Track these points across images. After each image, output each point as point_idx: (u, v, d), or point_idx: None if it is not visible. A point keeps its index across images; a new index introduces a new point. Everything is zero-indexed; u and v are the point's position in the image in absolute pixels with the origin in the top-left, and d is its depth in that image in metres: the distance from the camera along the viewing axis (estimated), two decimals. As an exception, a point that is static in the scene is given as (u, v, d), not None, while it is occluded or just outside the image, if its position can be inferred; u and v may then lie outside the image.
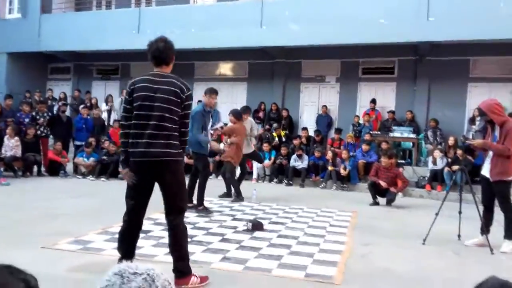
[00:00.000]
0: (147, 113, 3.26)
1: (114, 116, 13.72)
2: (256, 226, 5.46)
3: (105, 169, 10.17)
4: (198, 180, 6.61)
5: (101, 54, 15.60)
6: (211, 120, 7.01)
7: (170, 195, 3.36)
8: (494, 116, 4.94)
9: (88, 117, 12.06)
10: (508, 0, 10.39)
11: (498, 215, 5.15)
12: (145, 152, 3.27)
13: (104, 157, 10.36)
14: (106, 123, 13.14)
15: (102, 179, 9.93)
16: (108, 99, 14.00)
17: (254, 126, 8.78)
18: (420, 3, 11.02)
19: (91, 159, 10.45)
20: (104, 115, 13.56)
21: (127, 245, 3.47)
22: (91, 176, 10.12)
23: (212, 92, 6.61)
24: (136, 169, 3.35)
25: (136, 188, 3.38)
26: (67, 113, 12.79)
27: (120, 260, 3.38)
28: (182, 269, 3.36)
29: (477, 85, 12.01)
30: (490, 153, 5.06)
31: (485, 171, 5.12)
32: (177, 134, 3.35)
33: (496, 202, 5.10)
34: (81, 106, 12.85)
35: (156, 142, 3.25)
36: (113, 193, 8.18)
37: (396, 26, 11.11)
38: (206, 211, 6.45)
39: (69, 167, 10.75)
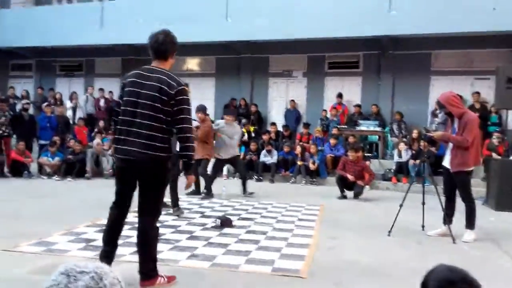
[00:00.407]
0: (132, 109, 3.18)
1: (79, 113, 13.42)
2: (225, 222, 5.47)
3: (71, 169, 9.94)
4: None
5: (64, 50, 15.21)
6: None
7: (145, 196, 3.27)
8: (453, 109, 5.09)
9: (52, 115, 11.74)
10: (467, -5, 10.71)
11: (461, 205, 5.32)
12: (127, 150, 3.20)
13: (70, 156, 10.12)
14: (71, 121, 12.83)
15: (68, 179, 9.71)
16: (72, 96, 13.68)
17: (238, 131, 8.67)
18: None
19: (56, 158, 10.19)
20: (69, 113, 13.24)
21: (108, 237, 3.42)
22: (56, 176, 9.88)
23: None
24: (119, 165, 3.36)
25: (120, 183, 3.36)
26: (30, 111, 12.41)
27: (103, 251, 3.39)
28: (148, 271, 3.30)
29: (438, 78, 12.34)
30: (451, 144, 5.21)
31: (446, 162, 5.28)
32: (164, 134, 3.20)
33: (458, 192, 5.27)
34: (44, 104, 12.49)
35: (138, 141, 3.16)
36: (79, 193, 8.03)
37: (360, 21, 11.28)
38: (178, 211, 6.25)
39: (34, 167, 10.47)
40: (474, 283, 1.43)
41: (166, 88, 3.14)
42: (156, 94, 3.14)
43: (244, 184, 8.30)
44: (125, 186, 3.33)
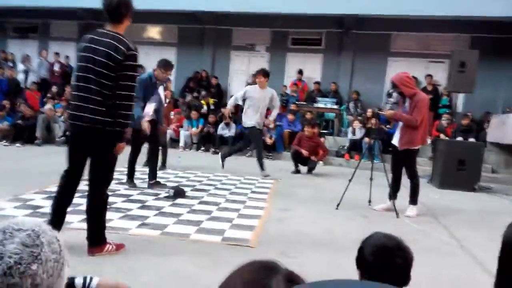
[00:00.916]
0: (83, 75, 3.13)
1: (32, 77, 12.90)
2: (178, 192, 5.48)
3: (20, 134, 9.60)
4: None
5: (17, 10, 14.42)
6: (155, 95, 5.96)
7: (96, 163, 3.26)
8: (405, 89, 5.26)
9: (2, 77, 11.23)
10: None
11: (407, 182, 5.56)
12: (77, 115, 3.16)
13: (19, 121, 9.76)
14: (22, 85, 12.32)
15: (17, 144, 9.38)
16: (25, 59, 13.09)
17: (275, 96, 7.73)
18: (348, -24, 11.26)
19: (5, 123, 9.81)
20: (21, 76, 12.69)
21: (57, 207, 3.37)
22: (4, 141, 9.53)
23: (167, 67, 5.89)
24: (71, 131, 3.35)
25: (71, 150, 3.31)
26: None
27: (50, 220, 3.27)
28: (96, 237, 3.32)
29: (396, 59, 12.65)
30: (401, 123, 5.41)
31: (395, 140, 5.48)
32: (117, 101, 3.12)
33: (404, 170, 5.50)
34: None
35: (87, 106, 3.10)
36: (28, 159, 7.80)
37: (324, -2, 11.31)
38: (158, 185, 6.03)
39: (-19, 131, 10.04)
40: (407, 249, 1.54)
41: (113, 53, 3.07)
42: (105, 60, 3.07)
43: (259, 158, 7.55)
44: (78, 153, 3.28)
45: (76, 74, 3.20)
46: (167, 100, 7.49)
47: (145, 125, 5.57)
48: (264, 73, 7.55)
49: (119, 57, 3.07)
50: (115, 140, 3.23)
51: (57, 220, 3.31)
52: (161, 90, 6.11)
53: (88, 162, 3.32)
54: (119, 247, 3.42)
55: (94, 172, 3.27)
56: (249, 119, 7.46)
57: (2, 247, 0.94)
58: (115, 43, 3.10)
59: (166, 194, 5.45)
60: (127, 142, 3.39)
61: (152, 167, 6.08)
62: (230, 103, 8.26)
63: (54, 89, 11.94)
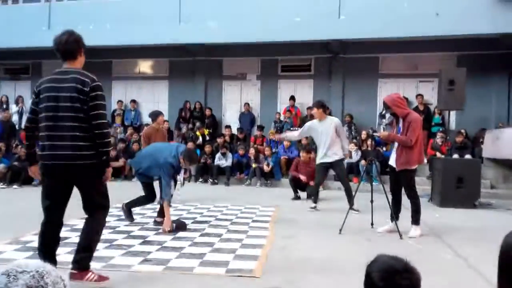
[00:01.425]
0: (54, 114, 3.16)
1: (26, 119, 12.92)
2: (179, 226, 5.44)
3: (17, 176, 9.55)
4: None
5: (9, 52, 14.54)
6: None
7: (88, 195, 3.33)
8: (397, 109, 5.32)
9: (-4, 120, 11.25)
10: (412, 1, 11.20)
11: (408, 202, 5.56)
12: (54, 155, 3.16)
13: (16, 163, 9.72)
14: (17, 126, 12.33)
15: (14, 186, 9.32)
16: (18, 100, 13.14)
17: (338, 124, 7.14)
18: (332, 2, 11.52)
19: (1, 165, 9.77)
20: (15, 118, 12.71)
21: (46, 249, 3.32)
22: (1, 183, 9.46)
23: (190, 160, 5.57)
24: (47, 172, 3.26)
25: (50, 190, 3.28)
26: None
27: None
28: (80, 260, 3.28)
29: (386, 81, 12.83)
30: (396, 144, 5.45)
31: (392, 161, 5.50)
32: (87, 133, 3.19)
33: (403, 190, 5.51)
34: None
35: (65, 144, 3.14)
36: (26, 201, 7.72)
37: (310, 25, 11.54)
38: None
39: (-24, 174, 9.97)
40: (414, 270, 1.53)
41: (81, 86, 3.15)
42: (74, 94, 3.14)
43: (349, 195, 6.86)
44: (57, 193, 3.28)
45: (44, 115, 3.19)
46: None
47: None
48: (318, 104, 7.12)
49: (86, 89, 3.14)
50: (100, 169, 3.28)
51: (47, 254, 3.28)
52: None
53: (68, 201, 3.35)
54: (102, 278, 3.33)
55: (89, 202, 3.33)
56: (318, 156, 7.14)
57: None
58: (79, 76, 3.18)
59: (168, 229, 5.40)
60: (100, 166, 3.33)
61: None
62: (291, 136, 7.96)
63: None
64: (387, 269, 1.50)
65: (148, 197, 5.94)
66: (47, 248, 3.33)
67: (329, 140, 6.93)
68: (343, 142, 7.15)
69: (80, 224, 5.40)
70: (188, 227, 5.59)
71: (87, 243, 3.31)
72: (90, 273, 3.27)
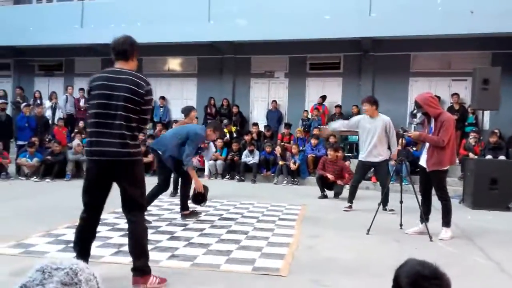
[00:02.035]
0: (105, 111, 3.22)
1: (59, 114, 13.24)
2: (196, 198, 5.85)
3: (49, 170, 9.81)
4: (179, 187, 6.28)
5: (43, 49, 15.00)
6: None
7: (129, 193, 3.33)
8: (430, 109, 5.20)
9: (31, 115, 11.55)
10: (445, -2, 10.95)
11: (438, 203, 5.44)
12: (101, 151, 3.23)
13: (49, 157, 9.98)
14: (50, 122, 12.65)
15: (47, 180, 9.58)
16: (52, 96, 13.48)
17: (388, 124, 6.87)
18: (363, -1, 11.37)
19: (35, 159, 10.04)
20: (48, 113, 13.05)
21: (80, 247, 3.42)
22: (35, 177, 9.74)
23: (217, 130, 6.08)
24: (93, 167, 3.35)
25: (92, 185, 3.37)
26: (8, 111, 12.19)
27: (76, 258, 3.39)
28: (141, 267, 3.29)
29: (417, 79, 12.56)
30: (427, 144, 5.33)
31: (423, 161, 5.39)
32: (137, 133, 3.33)
33: (434, 191, 5.39)
34: (23, 104, 12.30)
35: (113, 141, 3.21)
36: (58, 194, 7.94)
37: (340, 22, 11.42)
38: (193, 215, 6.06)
39: (12, 168, 10.29)
40: (444, 277, 1.48)
41: (135, 88, 3.23)
42: (128, 94, 3.21)
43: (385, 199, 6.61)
44: (100, 188, 3.36)
45: (95, 112, 3.27)
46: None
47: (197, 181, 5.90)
48: (371, 100, 6.85)
49: (142, 91, 3.25)
50: (140, 167, 3.39)
51: (82, 259, 3.31)
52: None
53: (108, 196, 3.40)
54: (162, 280, 3.39)
55: (129, 201, 3.35)
56: (361, 154, 6.94)
57: (42, 287, 0.96)
58: (135, 79, 3.26)
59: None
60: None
61: (183, 198, 6.02)
62: (335, 126, 7.55)
63: (81, 124, 12.25)
64: (416, 274, 1.47)
65: (161, 186, 5.83)
66: (83, 242, 3.43)
67: (375, 139, 6.70)
68: (391, 143, 6.87)
69: (110, 218, 5.54)
70: (214, 223, 5.64)
71: (140, 249, 3.33)
72: (153, 277, 3.32)
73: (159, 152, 5.73)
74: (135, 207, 3.36)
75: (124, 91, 3.21)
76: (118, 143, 3.21)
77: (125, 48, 3.38)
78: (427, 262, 1.52)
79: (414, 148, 9.97)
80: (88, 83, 3.37)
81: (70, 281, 0.98)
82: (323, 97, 12.79)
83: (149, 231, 5.07)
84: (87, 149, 3.34)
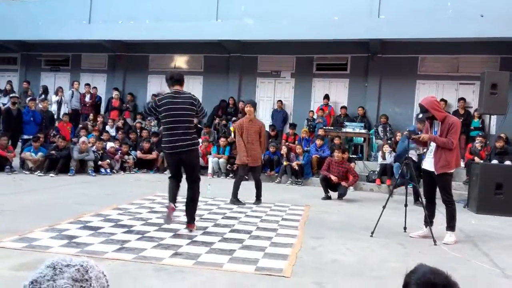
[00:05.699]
0: (172, 119, 4.94)
1: (64, 109, 13.27)
2: None
3: (54, 165, 9.81)
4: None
5: (50, 44, 15.04)
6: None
7: (191, 169, 5.13)
8: (436, 113, 5.17)
9: (36, 109, 11.57)
10: (455, 1, 10.87)
11: (442, 207, 5.40)
12: (175, 145, 4.94)
13: (53, 152, 9.99)
14: (55, 116, 12.67)
15: (51, 174, 9.58)
16: (58, 91, 13.51)
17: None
18: (372, 1, 11.31)
19: (39, 154, 10.05)
20: (54, 108, 13.07)
21: (172, 196, 5.13)
22: (39, 171, 9.75)
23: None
24: (171, 155, 5.07)
25: (174, 166, 5.17)
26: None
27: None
28: (193, 218, 5.13)
29: (424, 82, 12.48)
30: (431, 147, 5.30)
31: (426, 165, 5.36)
32: (194, 131, 5.17)
33: (438, 195, 5.35)
34: (28, 98, 12.33)
35: (183, 138, 4.93)
36: (62, 189, 7.94)
37: (349, 24, 11.38)
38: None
39: (16, 161, 10.32)
40: (455, 286, 1.45)
41: (194, 102, 5.07)
42: (190, 106, 5.01)
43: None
44: (177, 167, 5.15)
45: (166, 120, 4.99)
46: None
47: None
48: None
49: (197, 104, 5.07)
50: (197, 153, 5.25)
51: (173, 200, 5.11)
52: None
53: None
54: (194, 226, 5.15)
55: (191, 174, 5.12)
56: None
57: (53, 283, 0.97)
58: (192, 96, 5.14)
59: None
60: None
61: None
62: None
63: (90, 117, 12.35)
64: (426, 282, 1.43)
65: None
66: (173, 192, 5.11)
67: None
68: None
69: (113, 214, 5.54)
70: (217, 222, 5.62)
71: (195, 207, 5.18)
72: (194, 225, 5.13)
73: None
74: (195, 179, 5.11)
75: (187, 104, 5.01)
76: (185, 139, 4.98)
77: (181, 78, 5.21)
78: (439, 270, 1.48)
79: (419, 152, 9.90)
80: (157, 100, 5.13)
81: (81, 277, 0.99)
82: (327, 97, 12.74)
83: (152, 228, 5.11)
84: (164, 145, 5.14)
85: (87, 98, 13.67)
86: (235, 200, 7.23)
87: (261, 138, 7.43)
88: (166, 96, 5.03)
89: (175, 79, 5.09)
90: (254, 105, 7.51)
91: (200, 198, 7.34)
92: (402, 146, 8.25)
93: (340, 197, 8.30)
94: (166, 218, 5.10)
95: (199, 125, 12.15)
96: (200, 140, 11.50)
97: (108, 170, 10.39)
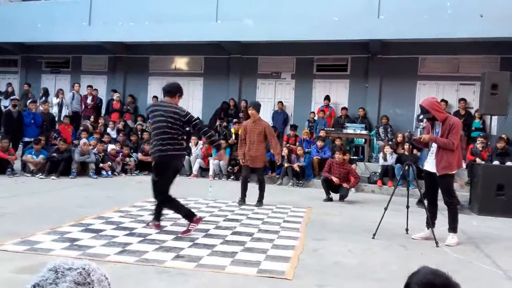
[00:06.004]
0: (159, 125, 5.06)
1: (65, 111, 13.27)
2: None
3: (55, 167, 9.81)
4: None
5: (50, 46, 15.08)
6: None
7: (159, 177, 5.12)
8: (437, 113, 5.17)
9: (37, 112, 11.58)
10: (454, 1, 10.88)
11: (445, 209, 5.40)
12: (161, 149, 5.00)
13: (54, 154, 9.99)
14: (56, 118, 12.69)
15: (52, 177, 9.59)
16: (58, 93, 13.52)
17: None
18: (371, 1, 11.32)
19: (40, 156, 10.06)
20: (54, 110, 13.08)
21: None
22: (40, 174, 9.75)
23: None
24: (159, 159, 5.11)
25: (166, 170, 5.16)
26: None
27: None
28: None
29: (425, 83, 12.49)
30: (433, 148, 5.29)
31: (428, 166, 5.36)
32: (172, 141, 5.05)
33: (440, 196, 5.34)
34: (29, 100, 12.34)
35: (156, 143, 5.05)
36: (63, 192, 7.94)
37: (349, 24, 11.39)
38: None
39: (17, 164, 10.32)
40: (457, 287, 1.45)
41: (178, 111, 5.10)
42: (173, 115, 5.05)
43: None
44: (171, 172, 5.20)
45: (151, 127, 5.31)
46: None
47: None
48: None
49: (184, 115, 5.07)
50: (167, 162, 5.05)
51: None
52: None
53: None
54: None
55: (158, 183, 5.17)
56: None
57: (55, 286, 0.97)
58: (176, 107, 5.13)
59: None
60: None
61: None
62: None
63: (88, 122, 12.31)
64: (427, 283, 1.43)
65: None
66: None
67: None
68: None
69: (115, 216, 5.53)
70: (219, 224, 5.61)
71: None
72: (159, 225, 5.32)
73: None
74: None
75: (170, 113, 5.06)
76: (168, 144, 5.08)
77: (172, 89, 5.25)
78: (440, 272, 1.49)
79: (419, 153, 9.89)
80: (147, 108, 5.33)
81: (83, 281, 0.99)
82: (327, 98, 12.75)
83: (154, 231, 5.10)
84: (152, 150, 5.18)
85: (89, 100, 13.66)
86: (239, 200, 7.38)
87: (269, 138, 7.38)
88: (152, 105, 5.58)
89: (166, 90, 5.28)
90: (256, 107, 7.50)
91: (201, 200, 7.54)
92: None
93: (342, 198, 8.30)
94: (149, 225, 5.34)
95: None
96: (200, 142, 11.52)
97: (110, 172, 10.40)
